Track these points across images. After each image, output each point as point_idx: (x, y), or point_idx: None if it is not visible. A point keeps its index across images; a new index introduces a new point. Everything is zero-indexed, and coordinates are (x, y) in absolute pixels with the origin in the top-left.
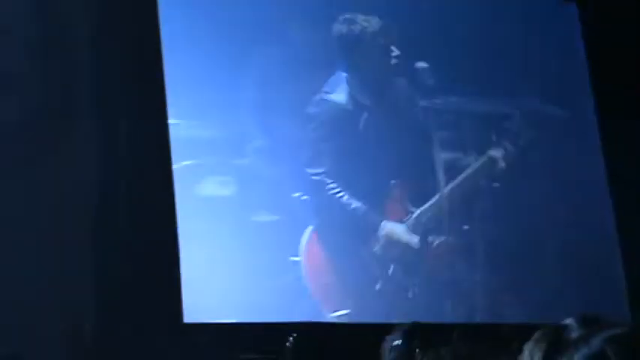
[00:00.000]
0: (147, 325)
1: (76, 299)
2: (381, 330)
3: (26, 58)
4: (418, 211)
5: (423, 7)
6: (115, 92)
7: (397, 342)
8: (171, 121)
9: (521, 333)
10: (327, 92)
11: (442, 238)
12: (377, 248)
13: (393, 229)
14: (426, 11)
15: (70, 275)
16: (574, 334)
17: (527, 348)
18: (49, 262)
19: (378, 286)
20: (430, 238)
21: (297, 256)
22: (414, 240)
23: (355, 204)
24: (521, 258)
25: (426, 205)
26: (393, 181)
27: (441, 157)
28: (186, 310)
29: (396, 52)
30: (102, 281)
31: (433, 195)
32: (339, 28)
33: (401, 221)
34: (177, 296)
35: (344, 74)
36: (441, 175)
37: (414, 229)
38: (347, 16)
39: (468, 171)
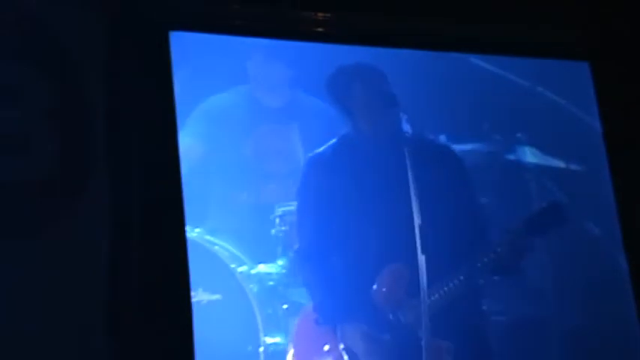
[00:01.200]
0: None
1: None
2: None
3: (41, 120)
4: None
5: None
6: (127, 152)
7: None
8: None
9: None
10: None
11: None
12: None
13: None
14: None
15: (81, 340)
16: None
17: None
18: (58, 333)
19: None
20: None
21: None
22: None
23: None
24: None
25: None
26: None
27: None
28: None
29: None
30: (113, 341)
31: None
32: None
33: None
34: None
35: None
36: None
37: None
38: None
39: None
